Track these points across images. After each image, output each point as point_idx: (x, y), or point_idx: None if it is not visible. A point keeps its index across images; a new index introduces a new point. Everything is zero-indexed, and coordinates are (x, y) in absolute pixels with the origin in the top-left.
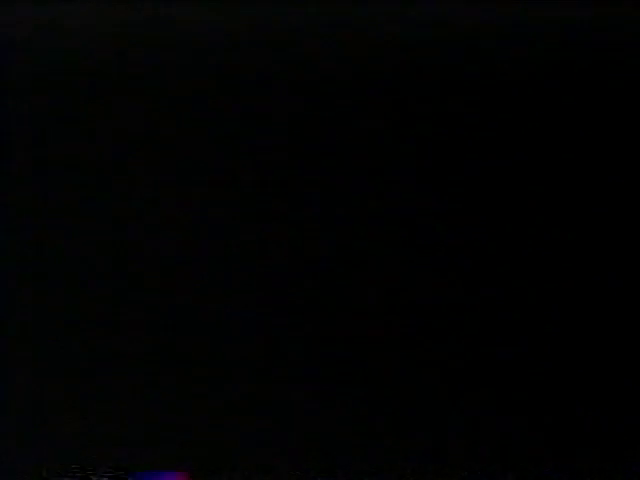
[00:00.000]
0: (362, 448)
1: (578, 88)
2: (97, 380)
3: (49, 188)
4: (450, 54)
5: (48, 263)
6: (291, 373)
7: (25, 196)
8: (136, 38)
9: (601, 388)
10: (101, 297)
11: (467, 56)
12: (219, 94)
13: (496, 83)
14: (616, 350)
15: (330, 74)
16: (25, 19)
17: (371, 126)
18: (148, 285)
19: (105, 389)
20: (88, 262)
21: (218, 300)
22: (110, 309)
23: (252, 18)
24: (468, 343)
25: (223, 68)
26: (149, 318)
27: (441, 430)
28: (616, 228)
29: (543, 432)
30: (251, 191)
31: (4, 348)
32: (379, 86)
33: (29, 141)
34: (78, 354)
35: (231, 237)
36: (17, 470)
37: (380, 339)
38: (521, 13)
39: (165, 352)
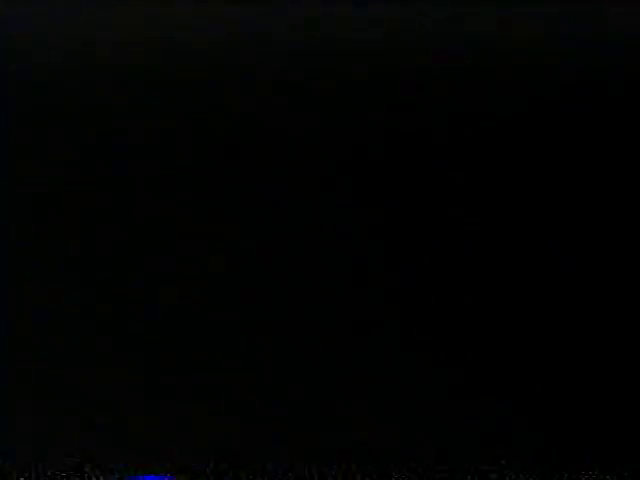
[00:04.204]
0: (361, 448)
1: (576, 88)
2: (97, 380)
3: (49, 188)
4: (450, 58)
5: (48, 263)
6: (291, 373)
7: (25, 196)
8: (136, 38)
9: (601, 388)
10: (101, 297)
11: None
12: (220, 94)
13: (497, 83)
14: (616, 350)
15: (334, 73)
16: (25, 18)
17: (371, 129)
18: (148, 285)
19: (105, 389)
20: (88, 262)
21: (217, 299)
22: (110, 309)
23: (252, 18)
24: (468, 344)
25: (223, 68)
26: (149, 318)
27: (441, 430)
28: (616, 229)
29: (543, 432)
30: (252, 191)
31: (4, 348)
32: (380, 89)
33: (29, 141)
34: (78, 354)
35: (231, 237)
36: (16, 469)
37: (380, 338)
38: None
39: (165, 352)
